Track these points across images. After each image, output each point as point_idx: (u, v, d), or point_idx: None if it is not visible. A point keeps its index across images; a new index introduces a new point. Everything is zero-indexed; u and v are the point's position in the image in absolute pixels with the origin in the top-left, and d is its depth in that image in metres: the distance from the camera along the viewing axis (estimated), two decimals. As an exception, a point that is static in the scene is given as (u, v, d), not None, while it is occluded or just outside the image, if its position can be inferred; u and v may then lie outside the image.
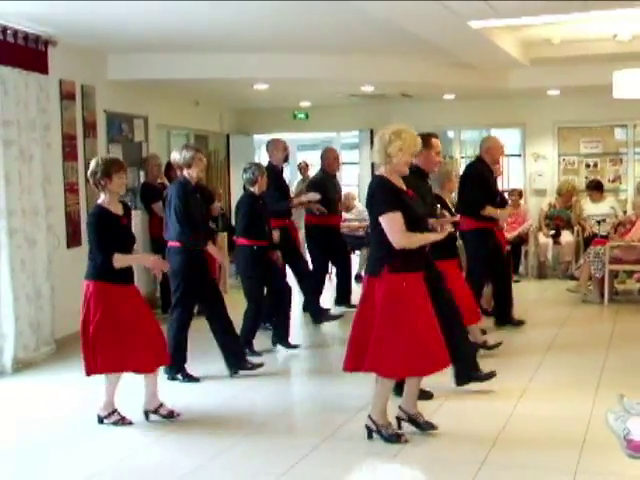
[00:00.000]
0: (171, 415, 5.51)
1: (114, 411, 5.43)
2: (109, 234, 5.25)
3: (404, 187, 4.84)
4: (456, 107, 12.56)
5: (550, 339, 7.75)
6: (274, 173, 8.26)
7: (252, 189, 7.19)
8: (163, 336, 5.62)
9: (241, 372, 6.56)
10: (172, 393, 6.10)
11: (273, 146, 8.57)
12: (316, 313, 8.83)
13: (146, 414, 5.51)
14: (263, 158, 10.89)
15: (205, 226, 6.83)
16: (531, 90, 11.34)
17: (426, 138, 5.72)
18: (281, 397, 6.24)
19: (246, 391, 6.31)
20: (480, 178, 8.02)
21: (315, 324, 8.76)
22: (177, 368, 6.39)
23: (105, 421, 5.41)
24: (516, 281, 11.45)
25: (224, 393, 6.21)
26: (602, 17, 7.87)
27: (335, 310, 9.09)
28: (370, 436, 4.86)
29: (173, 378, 6.42)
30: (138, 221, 8.90)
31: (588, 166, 12.52)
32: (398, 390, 5.26)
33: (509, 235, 11.67)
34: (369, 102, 12.28)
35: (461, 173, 8.81)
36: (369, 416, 4.91)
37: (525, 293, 11.01)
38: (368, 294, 4.81)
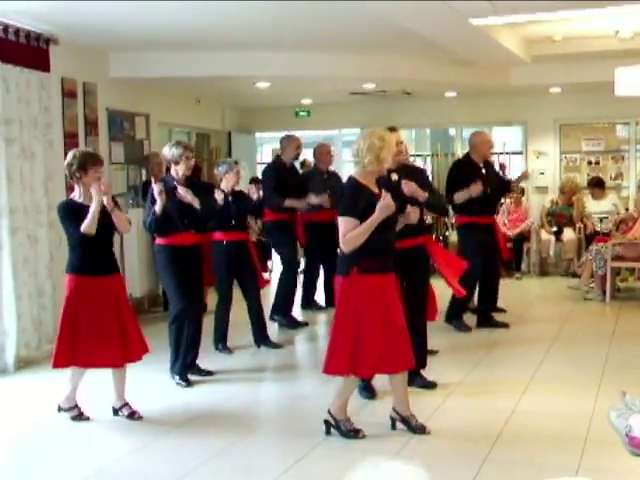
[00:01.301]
0: (132, 416, 5.51)
1: (75, 406, 5.51)
2: (79, 224, 5.24)
3: (375, 189, 4.85)
4: (458, 105, 12.56)
5: (552, 336, 7.75)
6: (278, 168, 8.43)
7: (222, 186, 7.23)
8: (138, 330, 5.57)
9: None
10: (172, 392, 6.11)
11: (287, 142, 8.62)
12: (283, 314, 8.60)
13: (115, 412, 5.56)
14: (265, 156, 10.88)
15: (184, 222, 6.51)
16: (533, 87, 11.33)
17: None
18: (280, 395, 6.25)
19: (245, 389, 6.32)
20: (458, 174, 8.05)
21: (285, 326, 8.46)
22: (180, 370, 6.39)
23: (65, 414, 5.50)
24: (518, 278, 11.50)
25: (221, 392, 6.21)
26: (604, 14, 7.86)
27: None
28: (328, 431, 4.98)
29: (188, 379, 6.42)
30: (140, 219, 8.89)
31: (590, 163, 12.52)
32: (366, 392, 5.55)
33: (511, 232, 11.70)
34: (370, 100, 12.27)
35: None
36: (328, 411, 4.99)
37: (527, 290, 11.03)
38: (338, 294, 4.84)
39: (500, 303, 8.67)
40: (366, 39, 8.40)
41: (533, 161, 12.71)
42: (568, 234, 11.60)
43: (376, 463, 1.83)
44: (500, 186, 8.37)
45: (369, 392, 5.77)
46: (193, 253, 6.37)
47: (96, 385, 5.73)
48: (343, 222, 4.69)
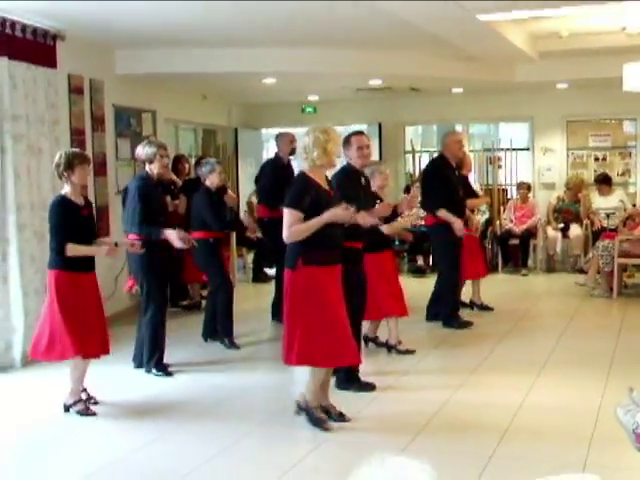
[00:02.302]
0: (89, 400, 5.67)
1: (80, 400, 5.58)
2: (68, 223, 5.41)
3: (324, 184, 4.99)
4: (464, 101, 12.53)
5: (559, 332, 7.74)
6: (277, 165, 8.58)
7: (207, 184, 7.50)
8: (106, 327, 5.71)
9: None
10: (170, 389, 6.12)
11: (280, 139, 8.71)
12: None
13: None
14: (271, 151, 10.85)
15: (165, 219, 6.73)
16: (540, 84, 11.30)
17: (346, 137, 5.92)
18: (285, 390, 6.21)
19: (250, 382, 6.33)
20: (438, 175, 8.15)
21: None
22: (156, 362, 6.55)
23: (70, 410, 5.55)
24: (524, 275, 11.48)
25: (227, 385, 6.23)
26: (611, 10, 7.84)
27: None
28: (299, 413, 5.15)
29: (149, 371, 6.58)
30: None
31: (597, 160, 12.48)
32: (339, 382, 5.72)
33: (518, 229, 11.68)
34: (377, 96, 12.25)
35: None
36: (302, 394, 5.16)
37: (534, 287, 11.02)
38: (286, 287, 4.95)
39: (504, 299, 8.65)
40: (373, 35, 8.39)
41: (540, 157, 12.68)
42: (575, 230, 11.58)
43: (382, 460, 1.83)
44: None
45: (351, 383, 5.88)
46: (168, 252, 6.59)
47: (104, 382, 5.74)
48: (288, 214, 4.83)
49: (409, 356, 6.96)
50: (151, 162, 6.44)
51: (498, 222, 12.09)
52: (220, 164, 7.83)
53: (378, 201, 6.29)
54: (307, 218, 4.82)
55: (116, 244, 5.83)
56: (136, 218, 6.32)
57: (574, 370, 6.44)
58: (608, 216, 11.37)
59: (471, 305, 8.93)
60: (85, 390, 5.70)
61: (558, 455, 4.55)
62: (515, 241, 11.77)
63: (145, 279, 6.45)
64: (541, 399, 5.67)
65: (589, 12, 7.96)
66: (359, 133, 6.12)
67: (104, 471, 4.55)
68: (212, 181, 7.48)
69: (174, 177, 9.49)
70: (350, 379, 5.87)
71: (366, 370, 5.98)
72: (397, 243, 10.63)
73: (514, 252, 11.88)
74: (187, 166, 9.97)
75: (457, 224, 7.87)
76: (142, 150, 6.48)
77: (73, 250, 5.37)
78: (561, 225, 11.72)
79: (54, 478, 4.56)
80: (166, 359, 6.67)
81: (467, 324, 8.09)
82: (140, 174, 6.66)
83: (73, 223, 5.45)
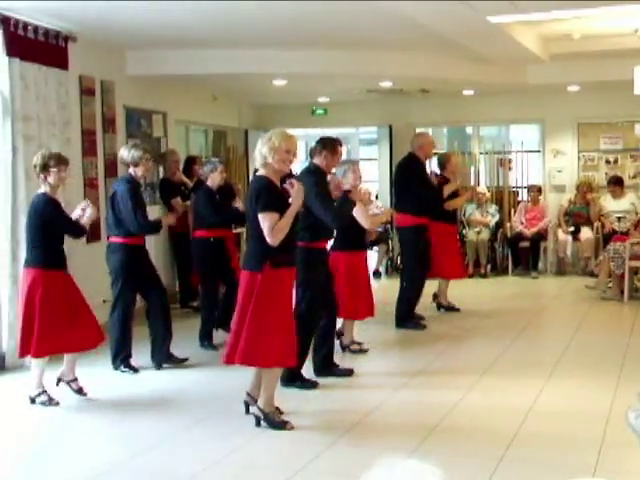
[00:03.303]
0: (80, 392, 5.88)
1: (44, 391, 5.74)
2: (61, 219, 5.72)
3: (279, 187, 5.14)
4: (475, 103, 12.51)
5: (569, 336, 7.72)
6: None
7: (208, 183, 7.61)
8: (94, 318, 5.89)
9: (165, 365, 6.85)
10: (177, 388, 6.12)
11: None
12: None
13: (58, 381, 5.92)
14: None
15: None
16: (551, 86, 11.27)
17: (333, 145, 6.26)
18: (293, 391, 6.23)
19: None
20: (421, 175, 8.35)
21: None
22: (122, 359, 6.68)
23: (36, 400, 5.73)
24: (535, 277, 11.46)
25: (237, 385, 6.23)
26: (622, 12, 7.81)
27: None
28: (258, 424, 5.16)
29: (117, 368, 6.68)
30: (157, 216, 8.92)
31: (608, 162, 12.42)
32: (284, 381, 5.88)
33: (528, 231, 11.65)
34: (387, 98, 12.25)
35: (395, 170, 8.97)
36: (257, 406, 5.19)
37: (544, 289, 11.00)
38: (248, 289, 5.00)
39: (515, 302, 8.64)
40: (383, 37, 8.39)
41: (551, 160, 12.63)
42: (585, 233, 11.54)
43: (392, 462, 1.82)
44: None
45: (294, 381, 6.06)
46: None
47: (113, 380, 5.75)
48: (267, 217, 4.94)
49: (420, 357, 6.97)
50: (136, 165, 6.60)
51: (508, 224, 12.07)
52: (223, 164, 8.00)
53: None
54: None
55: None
56: (139, 218, 6.44)
57: (584, 374, 6.42)
58: (619, 219, 11.33)
59: (435, 298, 9.10)
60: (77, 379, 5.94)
61: (568, 459, 4.53)
62: (525, 244, 11.74)
63: (117, 279, 6.66)
64: (551, 402, 5.66)
65: (601, 14, 7.93)
66: (338, 143, 6.39)
67: (108, 474, 4.54)
68: (213, 180, 7.58)
69: (185, 178, 9.51)
70: (294, 377, 6.06)
71: (374, 371, 5.97)
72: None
73: (524, 255, 11.86)
74: (199, 167, 9.98)
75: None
76: (127, 153, 6.62)
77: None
78: (572, 228, 11.69)
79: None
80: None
81: (421, 325, 8.20)
82: (125, 177, 6.75)
83: (61, 220, 5.73)
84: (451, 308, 9.04)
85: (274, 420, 5.16)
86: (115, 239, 6.62)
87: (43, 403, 5.71)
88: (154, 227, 6.79)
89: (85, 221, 5.87)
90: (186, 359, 6.92)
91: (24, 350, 5.65)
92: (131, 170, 6.62)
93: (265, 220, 4.93)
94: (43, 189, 5.71)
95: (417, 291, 8.34)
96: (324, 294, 6.16)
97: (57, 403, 5.74)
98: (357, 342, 7.28)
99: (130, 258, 6.58)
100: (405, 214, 8.13)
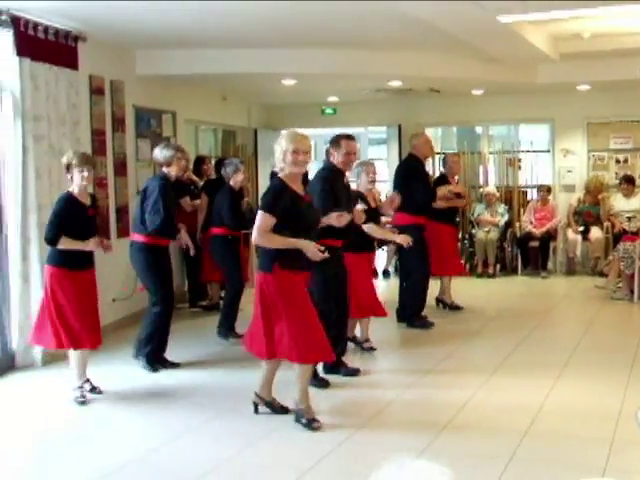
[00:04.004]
0: (94, 390, 5.91)
1: (82, 386, 5.83)
2: (69, 219, 5.67)
3: (300, 190, 5.13)
4: (485, 102, 12.49)
5: (579, 335, 7.70)
6: None
7: (231, 183, 7.85)
8: (98, 320, 5.96)
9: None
10: (189, 387, 6.13)
11: None
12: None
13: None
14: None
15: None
16: (560, 85, 11.25)
17: (336, 139, 6.21)
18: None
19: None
20: (423, 175, 8.54)
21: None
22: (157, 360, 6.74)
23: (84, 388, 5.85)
24: (544, 277, 11.43)
25: (248, 384, 6.24)
26: (632, 11, 7.79)
27: None
28: (256, 410, 5.37)
29: (155, 370, 6.69)
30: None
31: (618, 162, 12.38)
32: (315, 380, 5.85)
33: (537, 231, 11.63)
34: (397, 97, 12.24)
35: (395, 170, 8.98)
36: (255, 393, 5.36)
37: (554, 289, 10.97)
38: (262, 289, 5.04)
39: (524, 302, 8.63)
40: (393, 36, 8.38)
41: (560, 159, 12.60)
42: (595, 233, 11.52)
43: (401, 462, 1.82)
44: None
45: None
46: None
47: (125, 381, 5.77)
48: (261, 217, 4.96)
49: (429, 356, 6.97)
50: (169, 165, 6.63)
51: (518, 224, 12.05)
52: (243, 163, 8.18)
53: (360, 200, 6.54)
54: (281, 223, 4.95)
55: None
56: (161, 212, 6.41)
57: (594, 373, 6.40)
58: (629, 219, 11.29)
59: (438, 303, 9.11)
60: (88, 380, 5.92)
61: (578, 458, 4.53)
62: (535, 243, 11.71)
63: (153, 279, 6.63)
64: (561, 401, 5.65)
65: (611, 13, 7.90)
66: (350, 138, 6.32)
67: (121, 472, 4.55)
68: (236, 181, 7.80)
69: (194, 177, 9.53)
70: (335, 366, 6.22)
71: (383, 370, 5.97)
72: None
73: (534, 254, 11.83)
74: (209, 167, 10.02)
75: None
76: (160, 153, 6.66)
77: (65, 243, 5.64)
78: (581, 227, 11.66)
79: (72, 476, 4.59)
80: (184, 357, 6.80)
81: (429, 324, 8.21)
82: (159, 174, 6.79)
83: (75, 221, 5.69)
84: (455, 307, 9.04)
85: (307, 419, 5.15)
86: (137, 237, 6.60)
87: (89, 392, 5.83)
88: (171, 230, 6.66)
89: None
90: (179, 364, 6.86)
91: (76, 343, 5.72)
92: (164, 169, 6.65)
93: (260, 219, 4.97)
94: (72, 187, 5.74)
95: (423, 289, 8.33)
96: (333, 292, 6.10)
97: (100, 392, 5.90)
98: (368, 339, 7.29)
99: (155, 257, 6.58)
100: (403, 213, 8.15)
